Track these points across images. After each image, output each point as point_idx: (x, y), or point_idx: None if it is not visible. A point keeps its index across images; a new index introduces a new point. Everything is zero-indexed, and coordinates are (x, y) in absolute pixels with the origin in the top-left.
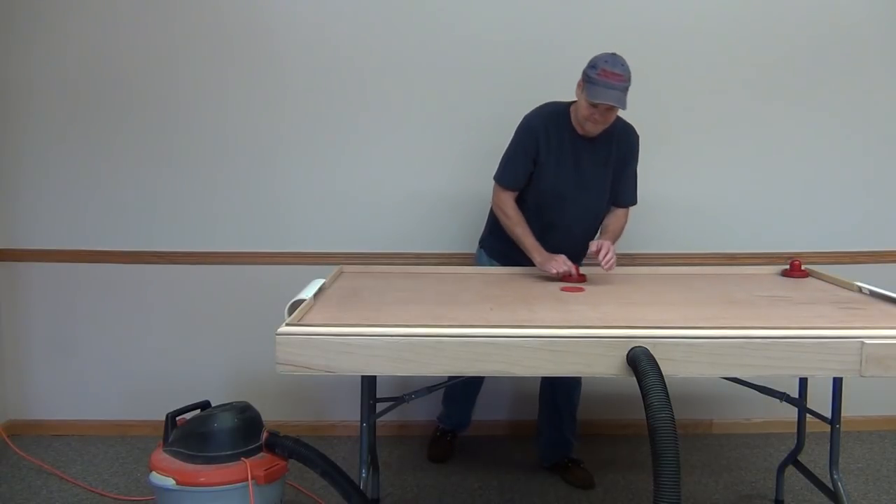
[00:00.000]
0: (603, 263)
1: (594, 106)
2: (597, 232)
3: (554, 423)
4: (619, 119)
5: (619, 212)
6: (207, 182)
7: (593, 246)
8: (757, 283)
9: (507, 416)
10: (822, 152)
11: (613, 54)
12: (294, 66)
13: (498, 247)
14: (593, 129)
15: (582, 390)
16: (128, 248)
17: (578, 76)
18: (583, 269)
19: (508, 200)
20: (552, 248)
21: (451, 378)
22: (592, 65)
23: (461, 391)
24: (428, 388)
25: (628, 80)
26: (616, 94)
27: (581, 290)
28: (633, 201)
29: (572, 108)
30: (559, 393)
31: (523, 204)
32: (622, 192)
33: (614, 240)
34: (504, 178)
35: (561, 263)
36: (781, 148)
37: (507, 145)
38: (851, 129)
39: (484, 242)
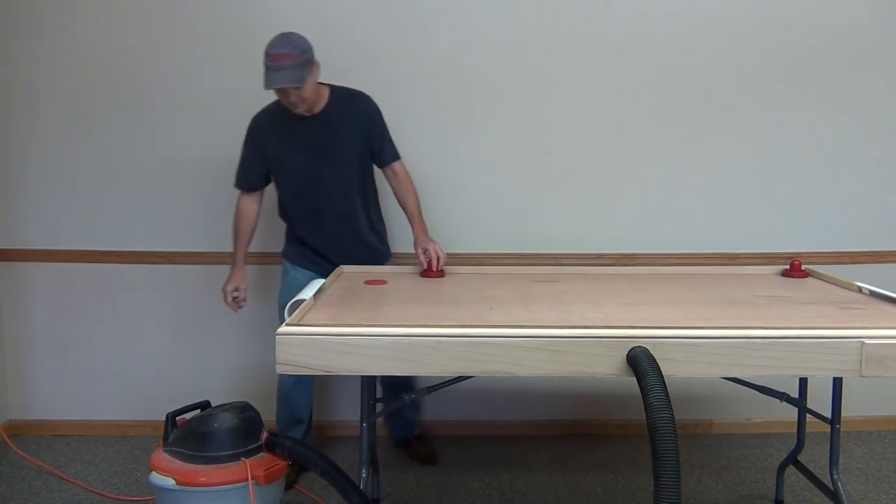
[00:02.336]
0: (437, 268)
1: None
2: (367, 198)
3: (393, 409)
4: (345, 92)
5: (395, 172)
6: (207, 182)
7: (420, 255)
8: (757, 283)
9: (507, 416)
10: (823, 152)
11: (282, 34)
12: None
13: (296, 252)
14: (296, 109)
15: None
16: (128, 248)
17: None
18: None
19: (242, 206)
20: (331, 230)
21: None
22: (265, 52)
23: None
24: (428, 388)
25: (300, 54)
26: (287, 75)
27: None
28: (396, 155)
29: None
30: (397, 378)
31: (284, 203)
32: (380, 151)
33: (421, 218)
34: (236, 181)
35: (227, 295)
36: (782, 148)
37: None
38: (852, 129)
39: (284, 252)
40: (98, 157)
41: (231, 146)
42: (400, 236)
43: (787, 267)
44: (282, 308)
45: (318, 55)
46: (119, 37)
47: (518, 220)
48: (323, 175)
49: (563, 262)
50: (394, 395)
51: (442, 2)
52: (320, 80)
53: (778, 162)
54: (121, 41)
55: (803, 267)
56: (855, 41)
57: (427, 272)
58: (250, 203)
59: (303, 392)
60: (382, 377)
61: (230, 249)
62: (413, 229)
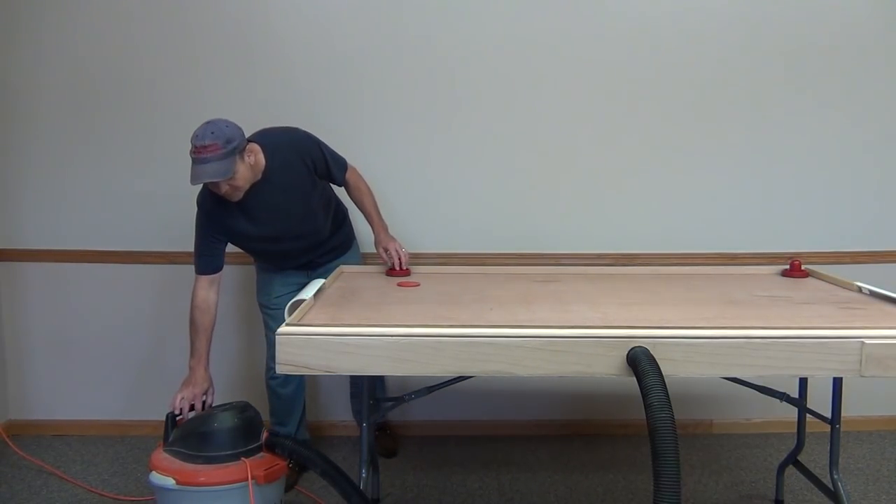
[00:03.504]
0: (400, 268)
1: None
2: (334, 222)
3: (359, 396)
4: (272, 143)
5: (351, 183)
6: None
7: (382, 254)
8: (757, 283)
9: (507, 416)
10: (823, 152)
11: (207, 123)
12: (296, 66)
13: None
14: (234, 198)
15: (571, 389)
16: (128, 248)
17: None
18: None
19: (200, 296)
20: (299, 259)
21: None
22: (190, 140)
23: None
24: (428, 388)
25: (224, 144)
26: (212, 168)
27: (417, 284)
28: (344, 168)
29: None
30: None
31: (256, 260)
32: (330, 176)
33: (379, 215)
34: (200, 267)
35: (195, 400)
36: (782, 148)
37: None
38: (852, 129)
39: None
40: (98, 157)
41: None
42: (402, 236)
43: (787, 267)
44: (262, 307)
45: (313, 55)
46: (119, 37)
47: (518, 220)
48: (286, 231)
49: (563, 262)
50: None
51: (440, 1)
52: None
53: (778, 162)
54: (121, 41)
55: (803, 267)
56: (855, 41)
57: (392, 271)
58: (209, 292)
59: (292, 384)
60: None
61: (230, 250)
62: (373, 229)
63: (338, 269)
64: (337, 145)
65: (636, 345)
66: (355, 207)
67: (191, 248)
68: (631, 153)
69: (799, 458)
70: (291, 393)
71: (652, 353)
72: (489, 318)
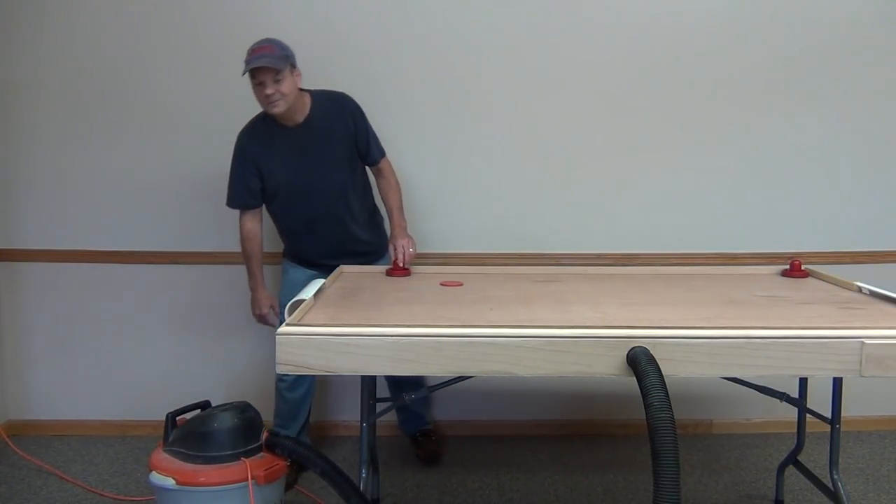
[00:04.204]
0: (403, 264)
1: (256, 81)
2: (364, 201)
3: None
4: (326, 97)
5: (381, 170)
6: (208, 182)
7: (391, 250)
8: (757, 283)
9: (507, 417)
10: (823, 152)
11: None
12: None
13: (295, 253)
14: (275, 106)
15: (571, 389)
16: (128, 248)
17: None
18: (573, 270)
19: (246, 227)
20: (326, 240)
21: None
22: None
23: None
24: (428, 387)
25: (280, 50)
26: (266, 59)
27: (460, 283)
28: (382, 152)
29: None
30: (408, 382)
31: (276, 216)
32: (367, 151)
33: (401, 214)
34: (231, 200)
35: (268, 318)
36: (782, 148)
37: None
38: (852, 129)
39: (285, 252)
40: (98, 157)
41: (230, 146)
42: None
43: (787, 267)
44: (283, 307)
45: (315, 56)
46: (120, 38)
47: (518, 220)
48: (315, 184)
49: (563, 262)
50: (399, 390)
51: (439, 1)
52: (302, 87)
53: (778, 162)
54: (122, 42)
55: (803, 267)
56: (855, 41)
57: (391, 271)
58: (253, 223)
59: (301, 389)
60: (388, 377)
61: (230, 249)
62: (391, 224)
63: (338, 269)
64: None
65: (636, 345)
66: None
67: (191, 247)
68: (631, 153)
69: (799, 458)
70: (299, 398)
71: (652, 353)
72: (489, 318)
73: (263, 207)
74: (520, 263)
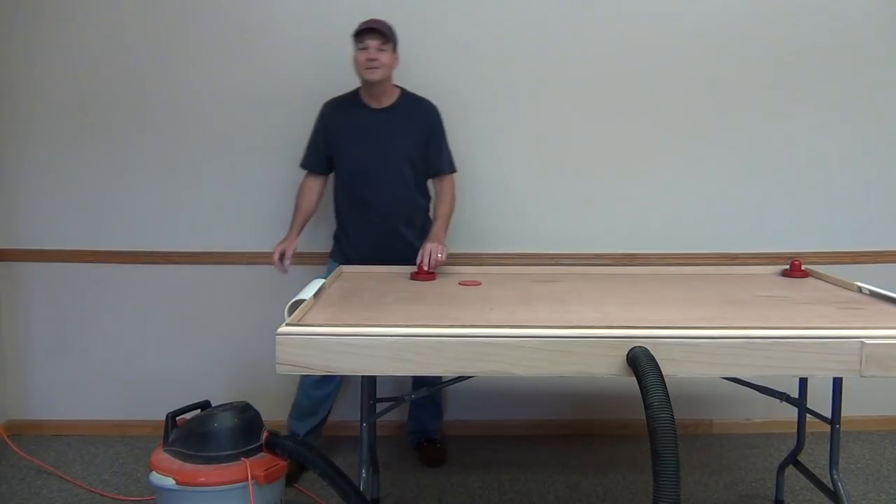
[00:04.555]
0: (427, 268)
1: (362, 44)
2: (417, 201)
3: (419, 410)
4: (413, 96)
5: (442, 185)
6: (208, 182)
7: (419, 256)
8: (757, 283)
9: (507, 416)
10: (823, 152)
11: None
12: (296, 66)
13: (340, 249)
14: (373, 72)
15: (571, 389)
16: (128, 248)
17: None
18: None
19: (304, 183)
20: (376, 223)
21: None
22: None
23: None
24: (428, 387)
25: (389, 28)
26: (375, 23)
27: (478, 283)
28: (451, 168)
29: (358, 75)
30: (429, 382)
31: (336, 191)
32: (435, 161)
33: (444, 226)
34: (302, 161)
35: (275, 253)
36: (782, 148)
37: None
38: (852, 129)
39: (331, 253)
40: (98, 156)
41: (231, 146)
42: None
43: (787, 267)
44: None
45: (318, 54)
46: (119, 38)
47: (518, 220)
48: (377, 168)
49: (563, 262)
50: (420, 401)
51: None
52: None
53: (778, 162)
54: (120, 42)
55: (803, 267)
56: (855, 41)
57: (416, 274)
58: (313, 184)
59: (328, 387)
60: (415, 381)
61: (230, 249)
62: (431, 229)
63: (338, 268)
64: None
65: (636, 345)
66: None
67: (191, 247)
68: (631, 153)
69: (799, 458)
70: (322, 396)
71: (652, 353)
72: (489, 318)
73: (330, 185)
74: (519, 263)
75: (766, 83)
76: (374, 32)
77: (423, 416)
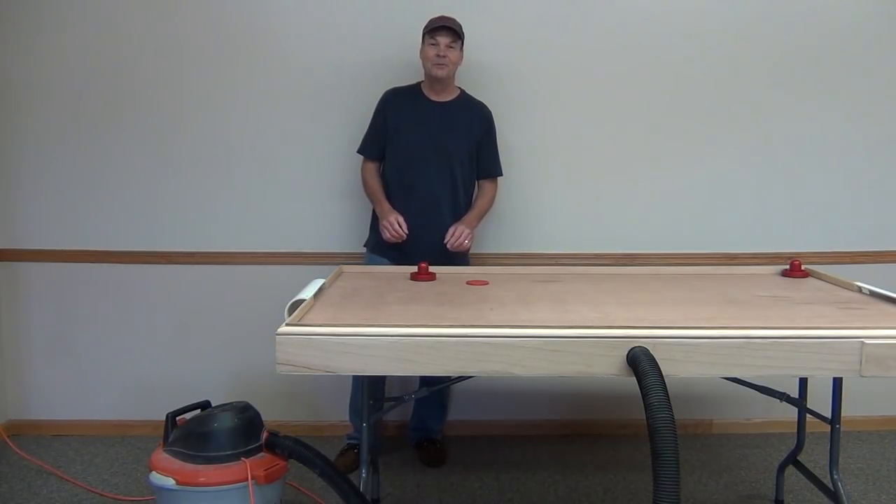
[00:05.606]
0: (449, 245)
1: (433, 40)
2: (459, 198)
3: (423, 409)
4: (471, 97)
5: (487, 186)
6: (207, 182)
7: (448, 233)
8: (757, 283)
9: (507, 416)
10: (823, 152)
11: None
12: (295, 67)
13: (377, 241)
14: (441, 67)
15: (571, 389)
16: (128, 248)
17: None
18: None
19: (367, 169)
20: (417, 211)
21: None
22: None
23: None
24: (428, 387)
25: (460, 27)
26: (449, 21)
27: (486, 283)
28: (498, 172)
29: (424, 69)
30: (436, 382)
31: (386, 175)
32: (486, 162)
33: (478, 217)
34: (362, 148)
35: (390, 225)
36: (782, 148)
37: None
38: (852, 130)
39: (368, 242)
40: (97, 156)
41: (230, 146)
42: None
43: (787, 267)
44: None
45: (317, 56)
46: (118, 37)
47: (518, 220)
48: (431, 157)
49: (563, 262)
50: (425, 401)
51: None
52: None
53: (778, 162)
54: (120, 41)
55: (803, 267)
56: (855, 41)
57: (416, 274)
58: (373, 167)
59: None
60: (422, 381)
61: (230, 250)
62: (467, 214)
63: (338, 269)
64: (341, 146)
65: (636, 345)
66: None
67: (190, 247)
68: (631, 153)
69: (799, 458)
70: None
71: (652, 353)
72: (489, 318)
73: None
74: (519, 263)
75: (766, 83)
76: (447, 30)
77: (426, 415)
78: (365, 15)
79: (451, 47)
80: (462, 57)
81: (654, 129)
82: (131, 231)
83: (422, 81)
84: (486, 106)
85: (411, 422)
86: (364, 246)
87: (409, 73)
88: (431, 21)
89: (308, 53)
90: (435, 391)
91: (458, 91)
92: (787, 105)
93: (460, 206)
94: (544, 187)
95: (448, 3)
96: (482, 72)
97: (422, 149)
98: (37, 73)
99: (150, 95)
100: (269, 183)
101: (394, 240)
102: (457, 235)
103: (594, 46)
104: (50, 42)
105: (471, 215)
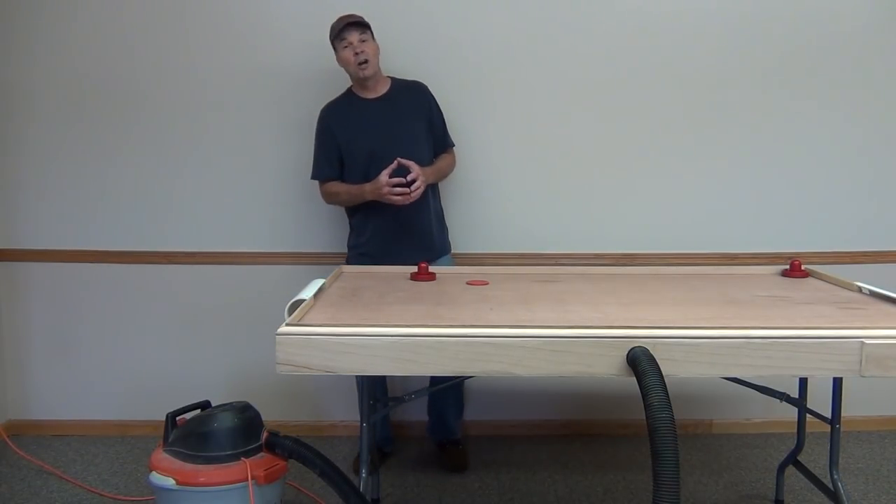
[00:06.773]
0: (410, 185)
1: (344, 42)
2: (431, 192)
3: (438, 407)
4: (403, 80)
5: (444, 156)
6: (207, 182)
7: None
8: (757, 283)
9: (507, 417)
10: (823, 152)
11: None
12: (294, 68)
13: (355, 252)
14: (364, 68)
15: (571, 389)
16: (128, 248)
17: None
18: (573, 270)
19: (327, 186)
20: (394, 211)
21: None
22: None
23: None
24: (428, 387)
25: (357, 14)
26: (349, 18)
27: (486, 283)
28: (450, 143)
29: (349, 74)
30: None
31: (354, 182)
32: (441, 137)
33: (435, 172)
34: (319, 173)
35: (387, 186)
36: (782, 148)
37: None
38: (852, 129)
39: (349, 244)
40: (98, 156)
41: (230, 145)
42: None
43: (787, 267)
44: None
45: (319, 54)
46: (119, 37)
47: (518, 220)
48: (387, 155)
49: (563, 262)
50: (440, 399)
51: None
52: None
53: (778, 162)
54: (120, 42)
55: (803, 267)
56: (853, 41)
57: (416, 274)
58: (332, 183)
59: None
60: (433, 381)
61: (230, 250)
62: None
63: (338, 269)
64: None
65: (636, 345)
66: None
67: (190, 247)
68: (631, 153)
69: (799, 458)
70: None
71: (652, 353)
72: (489, 318)
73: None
74: (519, 263)
75: (767, 83)
76: (352, 26)
77: (445, 412)
78: (364, 13)
79: (364, 40)
80: (378, 46)
81: (655, 129)
82: (131, 231)
83: (351, 86)
84: (420, 82)
85: (429, 421)
86: (347, 250)
87: (408, 72)
88: (333, 26)
89: (310, 53)
90: (447, 387)
91: (389, 80)
92: (788, 105)
93: (437, 201)
94: (544, 187)
95: (448, 3)
96: (482, 72)
97: (378, 149)
98: (37, 74)
99: (151, 96)
100: (270, 183)
101: (406, 200)
102: (414, 172)
103: (594, 46)
104: (50, 42)
105: (429, 168)
